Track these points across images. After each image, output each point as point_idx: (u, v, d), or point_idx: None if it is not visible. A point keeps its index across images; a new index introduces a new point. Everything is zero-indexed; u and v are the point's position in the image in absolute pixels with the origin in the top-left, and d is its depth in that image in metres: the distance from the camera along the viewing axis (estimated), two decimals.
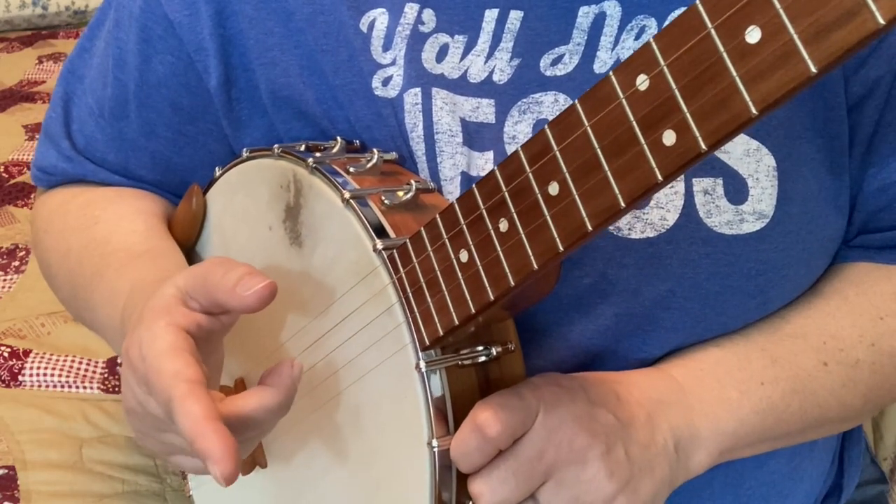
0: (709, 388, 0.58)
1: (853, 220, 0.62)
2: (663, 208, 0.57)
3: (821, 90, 0.58)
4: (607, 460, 0.51)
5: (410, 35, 0.60)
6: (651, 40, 0.37)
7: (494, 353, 0.53)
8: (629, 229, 0.58)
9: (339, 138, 0.61)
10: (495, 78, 0.59)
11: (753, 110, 0.35)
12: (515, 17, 0.59)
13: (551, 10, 0.58)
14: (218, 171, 0.67)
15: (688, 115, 0.36)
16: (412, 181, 0.57)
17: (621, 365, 0.60)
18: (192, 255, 0.70)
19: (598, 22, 0.57)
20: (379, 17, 0.61)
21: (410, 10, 0.60)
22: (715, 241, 0.58)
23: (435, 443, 0.51)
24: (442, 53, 0.60)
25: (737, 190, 0.57)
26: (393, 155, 0.61)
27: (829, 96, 0.58)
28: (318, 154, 0.59)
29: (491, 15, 0.59)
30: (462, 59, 0.59)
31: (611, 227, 0.58)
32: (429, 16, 0.60)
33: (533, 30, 0.58)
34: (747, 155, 0.57)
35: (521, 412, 0.51)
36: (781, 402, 0.58)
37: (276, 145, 0.60)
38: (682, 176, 0.57)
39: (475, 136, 0.59)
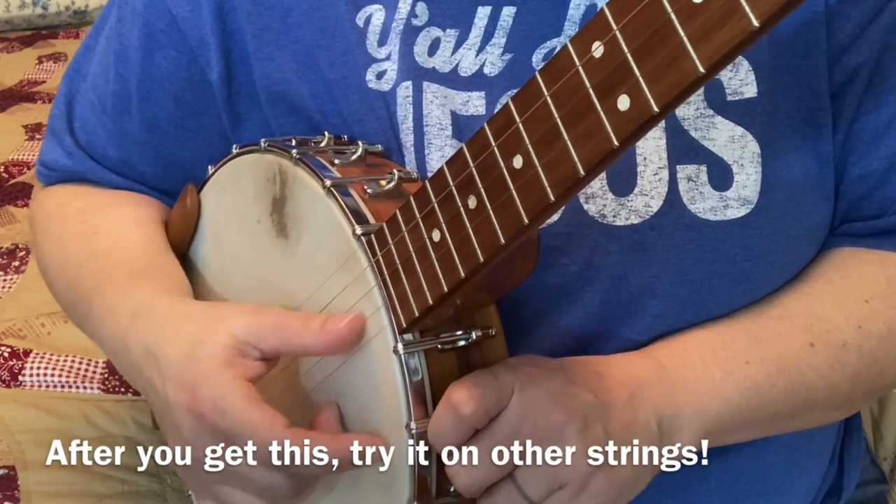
0: (692, 367, 0.57)
1: (837, 209, 0.62)
2: (647, 195, 0.57)
3: (808, 78, 0.58)
4: (584, 437, 0.51)
5: (404, 29, 0.61)
6: (604, 7, 0.38)
7: (474, 337, 0.53)
8: (614, 216, 0.58)
9: (326, 133, 0.62)
10: (486, 71, 0.59)
11: (701, 69, 0.35)
12: (508, 13, 0.59)
13: (543, 3, 0.59)
14: (210, 170, 0.68)
15: (640, 78, 0.36)
16: (395, 171, 0.57)
17: (610, 351, 0.60)
18: (188, 254, 0.71)
19: (590, 13, 0.58)
20: (375, 13, 0.62)
21: (404, 4, 0.61)
22: (699, 227, 0.58)
23: (413, 425, 0.51)
24: (434, 47, 0.60)
25: (721, 176, 0.57)
26: (378, 147, 0.61)
27: (815, 84, 0.58)
28: (304, 147, 0.60)
29: (484, 11, 0.60)
30: (453, 52, 0.60)
31: (595, 215, 0.58)
32: (422, 9, 0.61)
33: (525, 24, 0.59)
34: (732, 141, 0.57)
35: (495, 391, 0.51)
36: (766, 382, 0.58)
37: (262, 139, 0.61)
38: (667, 163, 0.58)
39: (465, 129, 0.60)
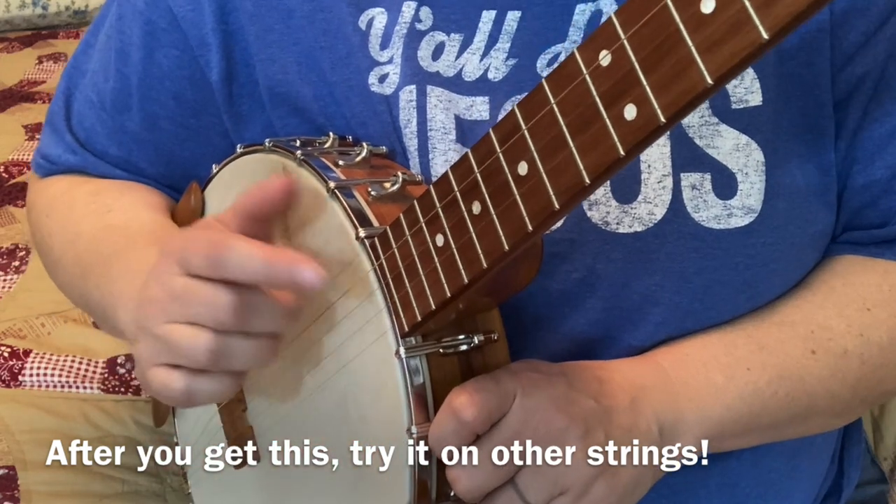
0: (694, 372, 0.57)
1: (839, 217, 0.62)
2: (651, 203, 0.57)
3: (811, 87, 0.58)
4: (586, 442, 0.51)
5: (407, 33, 0.61)
6: (612, 15, 0.38)
7: (476, 342, 0.53)
8: (617, 224, 0.58)
9: (331, 134, 0.62)
10: (490, 76, 0.59)
11: (709, 80, 0.35)
12: (512, 17, 0.59)
13: (548, 8, 0.58)
14: (215, 168, 0.68)
15: (647, 87, 0.36)
16: (399, 173, 0.57)
17: (612, 356, 0.60)
18: None
19: (595, 19, 0.58)
20: (377, 16, 0.62)
21: (408, 9, 0.61)
22: (702, 235, 0.58)
23: (414, 429, 0.51)
24: (438, 52, 0.60)
25: (725, 185, 0.57)
26: (382, 149, 0.61)
27: (818, 93, 0.58)
28: (308, 148, 0.60)
29: (488, 16, 0.60)
30: (458, 57, 0.60)
31: (599, 222, 0.58)
32: (426, 13, 0.61)
33: (530, 29, 0.59)
34: (737, 150, 0.57)
35: (497, 396, 0.51)
36: (768, 388, 0.58)
37: (267, 139, 0.61)
38: (671, 170, 0.57)
39: (469, 133, 0.60)
